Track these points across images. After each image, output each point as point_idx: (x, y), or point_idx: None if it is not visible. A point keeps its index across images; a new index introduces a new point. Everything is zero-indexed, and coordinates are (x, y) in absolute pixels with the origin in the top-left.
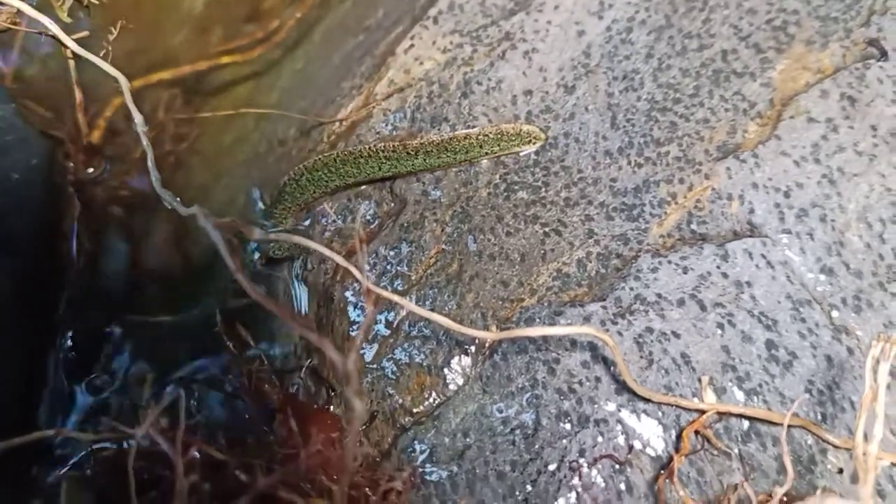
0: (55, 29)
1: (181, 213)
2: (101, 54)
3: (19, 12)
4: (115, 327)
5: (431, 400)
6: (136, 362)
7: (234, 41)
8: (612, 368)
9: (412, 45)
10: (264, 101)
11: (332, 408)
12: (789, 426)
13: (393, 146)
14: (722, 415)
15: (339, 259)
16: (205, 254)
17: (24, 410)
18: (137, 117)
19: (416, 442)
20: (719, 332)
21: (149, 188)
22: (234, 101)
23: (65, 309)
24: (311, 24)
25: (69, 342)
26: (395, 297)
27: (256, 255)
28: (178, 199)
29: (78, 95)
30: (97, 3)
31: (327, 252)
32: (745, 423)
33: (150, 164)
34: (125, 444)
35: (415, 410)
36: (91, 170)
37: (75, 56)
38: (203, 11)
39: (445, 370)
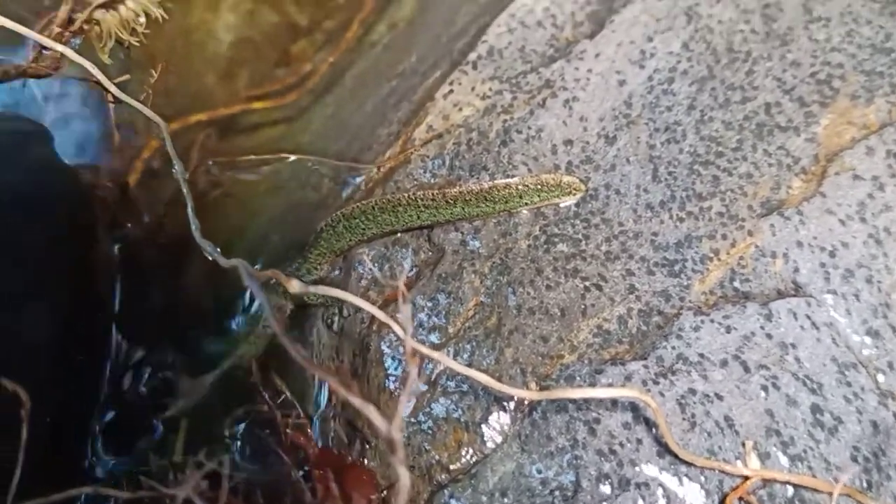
0: (98, 74)
1: (222, 264)
2: (142, 98)
3: (62, 56)
4: (149, 373)
5: (468, 457)
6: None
7: (266, 86)
8: (653, 430)
9: (451, 91)
10: (296, 146)
11: (366, 461)
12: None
13: (432, 195)
14: (767, 481)
15: (383, 316)
16: (237, 298)
17: (57, 463)
18: (178, 165)
19: (452, 500)
20: (763, 394)
21: (185, 232)
22: (265, 146)
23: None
24: (342, 70)
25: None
26: (438, 356)
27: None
28: (218, 248)
29: (116, 138)
30: (137, 44)
31: (372, 309)
32: (790, 490)
33: (189, 212)
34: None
35: (451, 467)
36: (129, 224)
37: (115, 100)
38: (230, 53)
39: (483, 427)
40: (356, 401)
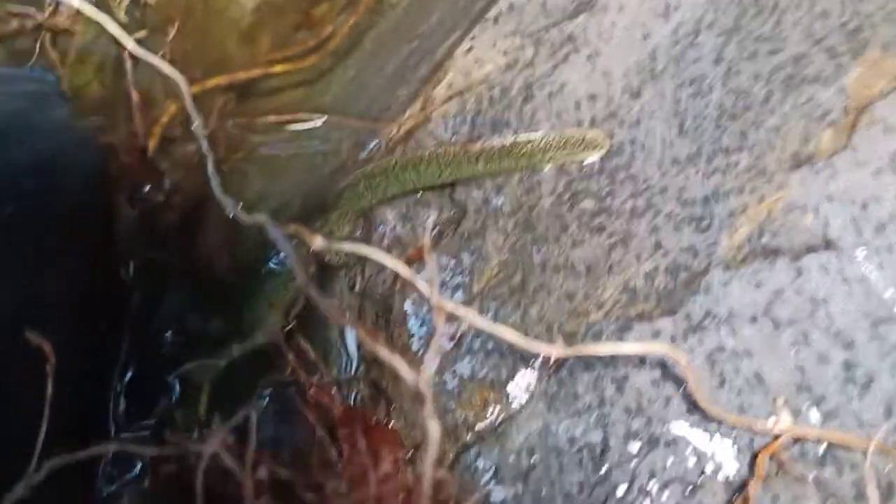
0: (114, 29)
1: (243, 220)
2: (160, 55)
3: (77, 12)
4: (172, 336)
5: (495, 416)
6: (193, 371)
7: (286, 49)
8: (682, 387)
9: (471, 48)
10: (316, 109)
11: (392, 422)
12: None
13: (454, 151)
14: (798, 439)
15: (407, 271)
16: (257, 260)
17: (81, 422)
18: (196, 121)
19: (479, 459)
20: (794, 351)
21: (203, 196)
22: (285, 109)
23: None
24: (361, 32)
25: (128, 351)
26: (464, 311)
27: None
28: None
29: (135, 98)
30: (152, 3)
31: (396, 264)
32: (822, 448)
33: (209, 168)
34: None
35: (477, 427)
36: (148, 188)
37: (133, 58)
38: (252, 18)
39: (509, 386)
40: (384, 352)
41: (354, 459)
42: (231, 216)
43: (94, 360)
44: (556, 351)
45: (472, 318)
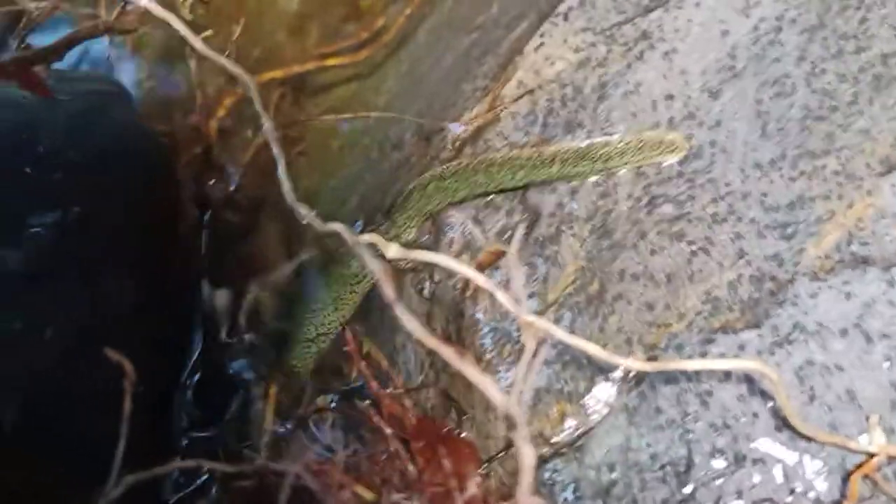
0: (182, 28)
1: (318, 228)
2: (226, 54)
3: (145, 11)
4: (237, 340)
5: (572, 430)
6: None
7: (338, 41)
8: (769, 403)
9: (542, 44)
10: (370, 104)
11: (464, 433)
12: None
13: (527, 154)
14: (893, 458)
15: (492, 287)
16: (317, 261)
17: (149, 435)
18: (267, 122)
19: (557, 474)
20: (887, 365)
21: (262, 195)
22: (340, 105)
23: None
24: (415, 24)
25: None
26: (548, 327)
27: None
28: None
29: (199, 98)
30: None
31: (479, 279)
32: None
33: (281, 172)
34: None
35: (553, 440)
36: (213, 181)
37: (198, 56)
38: (299, 8)
39: (587, 398)
40: (471, 373)
41: (434, 475)
42: (304, 222)
43: (164, 366)
44: (642, 365)
45: (556, 332)
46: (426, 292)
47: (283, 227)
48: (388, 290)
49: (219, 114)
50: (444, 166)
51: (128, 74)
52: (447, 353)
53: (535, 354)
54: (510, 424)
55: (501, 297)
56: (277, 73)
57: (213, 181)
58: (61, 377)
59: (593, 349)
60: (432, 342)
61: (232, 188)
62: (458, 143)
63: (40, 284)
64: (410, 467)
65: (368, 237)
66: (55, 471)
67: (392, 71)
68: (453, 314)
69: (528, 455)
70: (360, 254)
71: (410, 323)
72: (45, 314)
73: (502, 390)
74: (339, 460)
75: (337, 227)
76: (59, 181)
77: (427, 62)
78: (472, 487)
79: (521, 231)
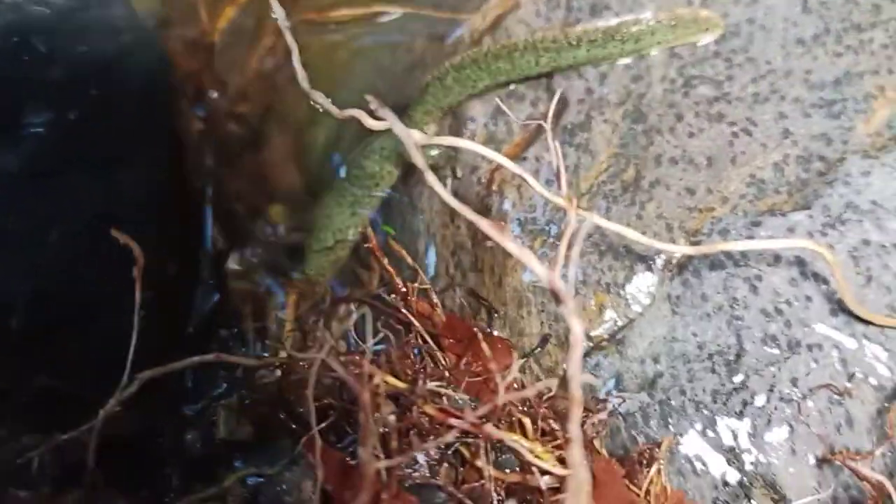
0: None
1: (335, 115)
2: None
3: None
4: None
5: (613, 323)
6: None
7: None
8: (823, 286)
9: None
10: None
11: (495, 331)
12: None
13: (553, 36)
14: None
15: (523, 172)
16: (325, 169)
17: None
18: (279, 11)
19: (598, 369)
20: None
21: (269, 102)
22: (351, 2)
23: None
24: None
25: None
26: (591, 215)
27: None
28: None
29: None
30: None
31: (511, 165)
32: None
33: (295, 62)
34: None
35: (593, 334)
36: (214, 94)
37: None
38: None
39: (627, 288)
40: (513, 247)
41: (469, 368)
42: (320, 108)
43: (173, 270)
44: (685, 249)
45: (597, 218)
46: (449, 188)
47: (291, 140)
48: (419, 160)
49: (228, 13)
50: (462, 55)
51: None
52: (485, 224)
53: (577, 229)
54: (557, 299)
55: (534, 182)
56: None
57: (214, 93)
58: (71, 276)
59: (633, 234)
60: (469, 213)
61: (237, 98)
62: (475, 36)
63: (42, 184)
64: (442, 360)
65: (392, 118)
66: (73, 373)
67: None
68: (479, 209)
69: (577, 329)
70: (389, 118)
71: (445, 194)
72: (50, 213)
73: (545, 266)
74: (367, 351)
75: (355, 112)
76: (56, 80)
77: None
78: (513, 373)
79: (553, 105)
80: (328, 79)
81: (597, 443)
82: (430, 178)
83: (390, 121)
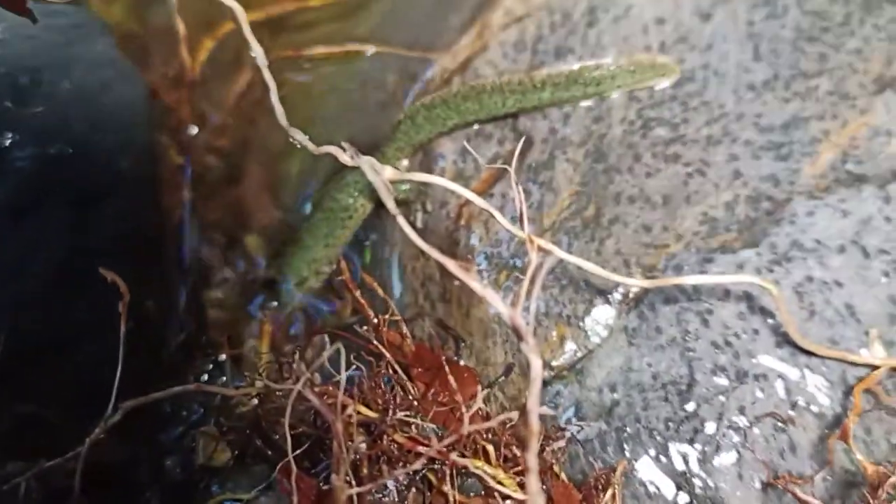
0: None
1: (312, 150)
2: None
3: None
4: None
5: (572, 353)
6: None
7: None
8: (770, 320)
9: None
10: (357, 42)
11: (462, 361)
12: None
13: (518, 79)
14: (894, 371)
15: (491, 208)
16: (300, 200)
17: (153, 363)
18: (258, 50)
19: (559, 397)
20: (885, 280)
21: (247, 136)
22: (321, 42)
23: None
24: None
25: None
26: (551, 246)
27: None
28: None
29: (181, 30)
30: None
31: (479, 201)
32: None
33: (273, 99)
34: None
35: (554, 363)
36: (193, 130)
37: None
38: None
39: (587, 321)
40: (477, 286)
41: (437, 398)
42: (299, 146)
43: (151, 300)
44: (641, 283)
45: (558, 252)
46: (419, 223)
47: (267, 171)
48: (391, 204)
49: (203, 53)
50: (433, 95)
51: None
52: (451, 264)
53: (539, 267)
54: (517, 335)
55: (500, 218)
56: (259, 15)
57: (194, 127)
58: (52, 307)
59: (593, 267)
60: (436, 253)
61: (215, 134)
62: (445, 76)
63: (24, 217)
64: (412, 389)
65: (364, 159)
66: (54, 401)
67: (375, 9)
68: (447, 243)
69: (536, 364)
70: (360, 164)
71: (413, 234)
72: (32, 245)
73: (507, 303)
74: (340, 382)
75: (331, 148)
76: (38, 114)
77: None
78: (478, 403)
79: (518, 149)
80: (304, 113)
81: (556, 468)
82: (401, 220)
83: (364, 166)
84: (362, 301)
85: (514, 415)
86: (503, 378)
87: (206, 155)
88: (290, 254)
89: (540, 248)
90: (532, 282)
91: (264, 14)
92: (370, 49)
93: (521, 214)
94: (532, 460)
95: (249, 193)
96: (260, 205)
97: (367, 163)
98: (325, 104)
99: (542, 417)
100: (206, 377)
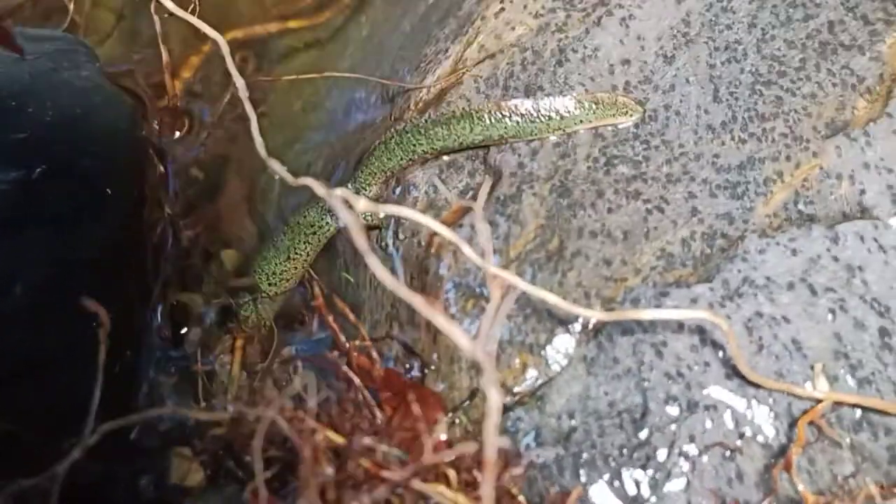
0: None
1: (290, 182)
2: (189, 10)
3: None
4: (201, 297)
5: (533, 380)
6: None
7: (297, 2)
8: (720, 353)
9: (502, 9)
10: (334, 68)
11: (428, 385)
12: None
13: (487, 107)
14: (838, 404)
15: (458, 240)
16: (274, 215)
17: (121, 388)
18: (239, 82)
19: (519, 422)
20: (831, 317)
21: (226, 154)
22: (300, 68)
23: (154, 280)
24: None
25: (160, 316)
26: (513, 279)
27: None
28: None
29: (165, 56)
30: None
31: (447, 233)
32: (857, 413)
33: (253, 129)
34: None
35: (516, 390)
36: (178, 133)
37: (165, 13)
38: None
39: (548, 349)
40: (440, 320)
41: (402, 421)
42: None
43: (125, 323)
44: (602, 315)
45: (519, 283)
46: (390, 249)
47: (247, 186)
48: (361, 241)
49: (185, 75)
50: (405, 122)
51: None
52: (417, 301)
53: (500, 304)
54: (477, 369)
55: (467, 250)
56: (237, 34)
57: (178, 137)
58: (31, 327)
59: (554, 299)
60: (403, 291)
61: (199, 149)
62: (420, 105)
63: (7, 239)
64: (379, 414)
65: (338, 191)
66: (31, 420)
67: (353, 35)
68: (417, 271)
69: (494, 398)
70: (332, 205)
71: (381, 272)
72: (13, 267)
73: (469, 338)
74: (310, 407)
75: (307, 181)
76: (24, 139)
77: (386, 26)
78: (441, 430)
79: (486, 187)
80: (285, 131)
81: (515, 491)
82: (372, 261)
83: (336, 204)
84: (334, 326)
85: (472, 447)
86: (467, 402)
87: (189, 171)
88: (254, 267)
89: (501, 284)
90: (494, 317)
91: (244, 33)
92: (350, 76)
93: (486, 254)
94: (488, 490)
95: (228, 206)
96: (237, 217)
97: (339, 198)
98: (307, 121)
99: (503, 445)
100: (179, 396)
